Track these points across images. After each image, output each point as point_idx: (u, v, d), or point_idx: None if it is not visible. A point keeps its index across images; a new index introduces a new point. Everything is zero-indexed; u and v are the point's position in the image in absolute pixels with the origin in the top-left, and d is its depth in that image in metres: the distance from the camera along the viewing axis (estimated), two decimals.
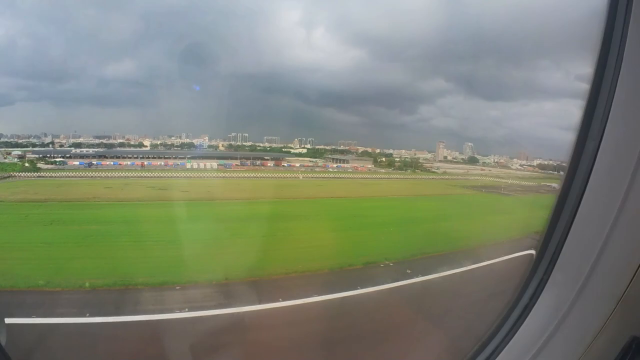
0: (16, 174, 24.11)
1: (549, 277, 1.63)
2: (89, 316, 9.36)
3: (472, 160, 33.06)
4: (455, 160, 34.15)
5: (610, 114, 1.43)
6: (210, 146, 28.46)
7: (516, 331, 1.72)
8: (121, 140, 28.20)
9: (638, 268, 1.32)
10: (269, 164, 29.08)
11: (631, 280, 1.34)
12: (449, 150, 34.98)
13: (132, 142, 28.35)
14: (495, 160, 33.67)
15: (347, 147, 34.83)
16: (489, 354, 1.80)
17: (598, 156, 1.47)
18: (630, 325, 1.37)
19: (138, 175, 25.38)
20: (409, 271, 12.36)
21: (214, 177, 26.06)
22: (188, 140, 28.86)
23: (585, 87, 1.58)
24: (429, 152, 35.28)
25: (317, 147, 33.68)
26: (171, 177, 25.49)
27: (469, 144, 34.56)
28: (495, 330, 1.85)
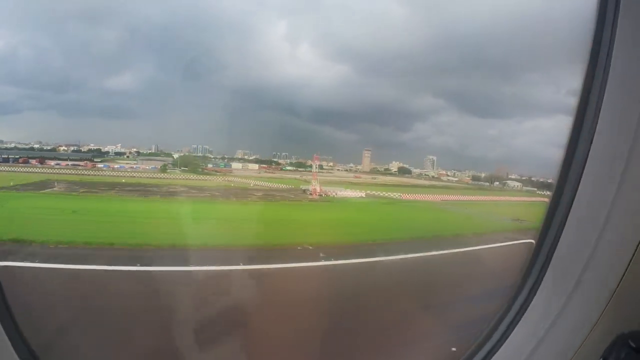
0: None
1: (542, 277, 1.68)
2: None
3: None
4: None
5: (601, 113, 1.49)
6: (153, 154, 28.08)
7: (511, 331, 1.75)
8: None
9: (628, 267, 1.38)
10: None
11: (621, 279, 1.39)
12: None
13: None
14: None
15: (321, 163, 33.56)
16: (484, 355, 1.82)
17: (588, 160, 1.53)
18: (621, 322, 1.42)
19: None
20: None
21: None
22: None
23: (576, 91, 1.64)
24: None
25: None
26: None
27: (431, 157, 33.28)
28: (490, 331, 1.88)
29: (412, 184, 28.66)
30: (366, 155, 32.69)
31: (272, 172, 28.54)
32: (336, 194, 21.90)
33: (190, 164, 26.26)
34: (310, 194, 21.40)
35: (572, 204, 1.57)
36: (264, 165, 29.78)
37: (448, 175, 32.51)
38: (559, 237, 1.61)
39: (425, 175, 33.48)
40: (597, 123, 1.50)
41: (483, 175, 30.45)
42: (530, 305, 1.71)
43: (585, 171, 1.53)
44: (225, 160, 28.71)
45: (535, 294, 1.70)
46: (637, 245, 1.37)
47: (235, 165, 28.75)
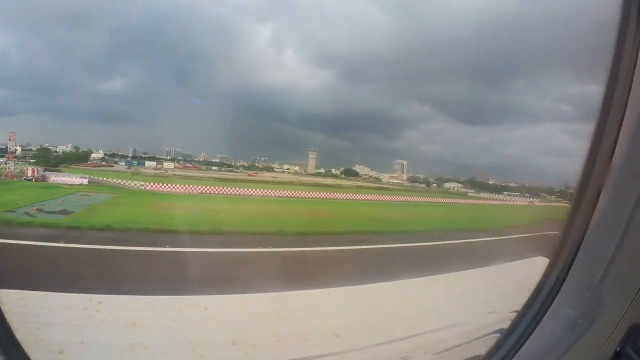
0: None
1: (563, 281, 1.68)
2: None
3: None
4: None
5: (625, 117, 1.49)
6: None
7: (535, 327, 1.75)
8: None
9: None
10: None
11: None
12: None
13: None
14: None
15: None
16: (506, 352, 1.82)
17: (612, 165, 1.53)
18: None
19: None
20: None
21: None
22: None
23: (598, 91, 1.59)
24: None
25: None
26: None
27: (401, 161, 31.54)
28: (509, 332, 1.89)
29: (321, 183, 27.52)
30: (311, 156, 32.35)
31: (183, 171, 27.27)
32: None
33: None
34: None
35: (596, 203, 1.58)
36: (181, 165, 28.52)
37: (396, 179, 31.60)
38: (585, 231, 1.61)
39: (371, 177, 32.70)
40: (619, 131, 1.50)
41: (422, 177, 31.50)
42: (554, 303, 1.71)
43: (607, 180, 1.54)
44: (138, 159, 28.03)
45: (558, 292, 1.71)
46: None
47: (149, 163, 28.21)
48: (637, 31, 1.40)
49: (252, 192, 21.64)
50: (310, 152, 32.19)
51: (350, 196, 23.83)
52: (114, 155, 29.24)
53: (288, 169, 33.68)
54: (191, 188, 21.05)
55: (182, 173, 25.70)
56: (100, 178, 21.47)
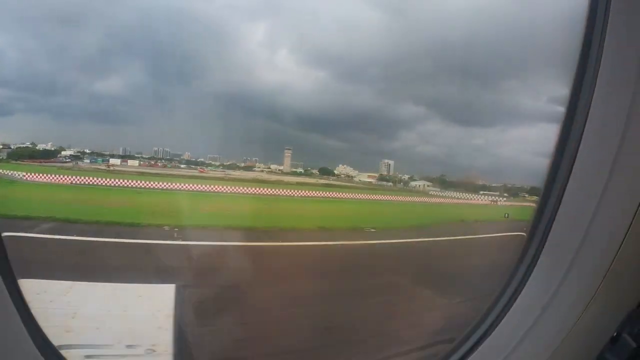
0: None
1: (537, 259, 1.74)
2: None
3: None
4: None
5: (590, 111, 1.56)
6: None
7: (505, 314, 1.80)
8: None
9: (621, 245, 1.47)
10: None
11: (615, 257, 1.48)
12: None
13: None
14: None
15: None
16: (477, 338, 1.85)
17: (579, 153, 1.59)
18: (617, 301, 1.52)
19: None
20: None
21: None
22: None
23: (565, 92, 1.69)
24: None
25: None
26: None
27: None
28: (485, 314, 1.91)
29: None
30: (287, 154, 31.67)
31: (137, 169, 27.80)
32: None
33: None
34: None
35: (563, 195, 1.64)
36: (145, 163, 29.42)
37: (372, 178, 31.14)
38: (552, 222, 1.68)
39: (347, 176, 32.45)
40: (588, 110, 1.55)
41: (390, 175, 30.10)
42: (525, 286, 1.75)
43: (577, 158, 1.59)
44: (102, 157, 28.48)
45: (527, 280, 1.75)
46: (628, 229, 1.45)
47: (114, 160, 28.66)
48: (603, 28, 1.45)
49: (166, 185, 21.52)
50: (285, 151, 31.44)
51: (285, 192, 23.44)
52: (92, 154, 29.87)
53: (268, 168, 33.63)
54: (94, 180, 21.09)
55: (131, 170, 25.86)
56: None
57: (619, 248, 1.47)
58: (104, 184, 20.81)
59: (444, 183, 29.11)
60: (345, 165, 32.95)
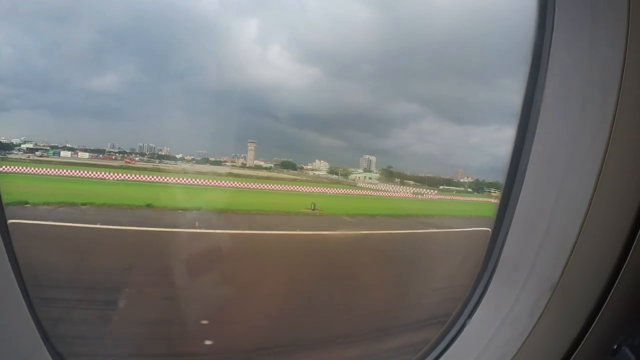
0: None
1: (491, 277, 1.77)
2: None
3: None
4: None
5: (540, 116, 1.59)
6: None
7: (459, 334, 1.84)
8: None
9: (568, 260, 1.49)
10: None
11: (563, 271, 1.50)
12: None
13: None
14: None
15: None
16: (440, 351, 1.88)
17: (530, 159, 1.62)
18: (565, 313, 1.54)
19: None
20: None
21: None
22: None
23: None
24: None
25: None
26: None
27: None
28: (445, 330, 1.94)
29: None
30: (250, 147, 31.24)
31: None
32: None
33: None
34: None
35: (516, 205, 1.66)
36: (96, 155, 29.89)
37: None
38: (505, 239, 1.71)
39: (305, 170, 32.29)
40: (534, 133, 1.59)
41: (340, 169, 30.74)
42: (481, 304, 1.79)
43: (528, 171, 1.62)
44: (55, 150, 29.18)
45: (485, 293, 1.79)
46: (575, 241, 1.46)
47: (64, 153, 29.35)
48: (552, 28, 1.49)
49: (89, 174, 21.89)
50: (248, 144, 31.12)
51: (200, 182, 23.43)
52: (44, 147, 30.60)
53: (233, 162, 33.76)
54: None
55: (66, 160, 26.61)
56: None
57: (567, 263, 1.48)
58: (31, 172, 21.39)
59: (390, 176, 28.79)
60: (320, 160, 32.67)
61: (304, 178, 28.56)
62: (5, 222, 1.67)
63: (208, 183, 22.89)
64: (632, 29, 1.31)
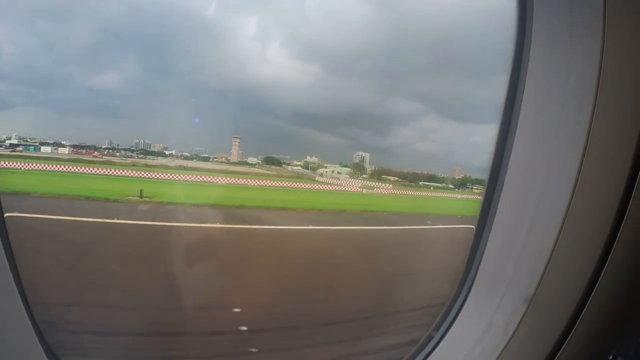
0: None
1: (471, 285, 1.77)
2: None
3: None
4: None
5: (520, 117, 1.57)
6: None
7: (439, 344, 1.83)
8: None
9: (544, 272, 1.47)
10: None
11: (539, 283, 1.49)
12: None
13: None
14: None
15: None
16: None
17: (510, 165, 1.61)
18: (540, 321, 1.53)
19: None
20: None
21: None
22: None
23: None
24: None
25: None
26: None
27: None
28: (424, 341, 1.92)
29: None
30: (234, 143, 31.23)
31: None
32: None
33: None
34: None
35: (495, 214, 1.65)
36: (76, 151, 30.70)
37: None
38: (485, 248, 1.71)
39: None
40: (516, 126, 1.57)
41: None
42: (462, 310, 1.78)
43: (507, 175, 1.60)
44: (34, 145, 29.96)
45: (466, 300, 1.77)
46: (552, 252, 1.45)
47: (45, 149, 30.18)
48: (529, 26, 1.50)
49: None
50: (233, 139, 31.01)
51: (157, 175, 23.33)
52: (26, 143, 31.47)
53: (215, 158, 34.00)
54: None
55: (43, 155, 27.47)
56: None
57: (542, 275, 1.47)
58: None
59: (362, 171, 28.37)
60: (312, 157, 32.53)
61: (263, 172, 28.49)
62: (2, 216, 1.64)
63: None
64: (608, 24, 1.29)
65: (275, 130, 32.48)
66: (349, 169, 28.04)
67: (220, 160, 31.56)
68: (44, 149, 30.76)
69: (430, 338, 1.90)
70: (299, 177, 26.93)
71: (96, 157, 28.38)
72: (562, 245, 1.43)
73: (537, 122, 1.51)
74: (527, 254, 1.53)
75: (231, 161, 30.91)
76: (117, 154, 30.34)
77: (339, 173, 27.70)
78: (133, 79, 28.86)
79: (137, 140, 29.95)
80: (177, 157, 31.78)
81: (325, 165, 29.74)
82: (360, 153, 31.75)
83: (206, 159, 32.85)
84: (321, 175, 27.61)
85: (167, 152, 31.29)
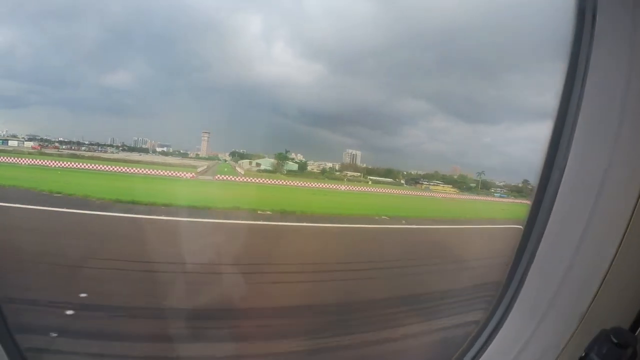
0: None
1: (526, 276, 1.62)
2: None
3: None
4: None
5: (580, 117, 1.44)
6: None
7: (497, 333, 1.69)
8: None
9: (610, 265, 1.38)
10: None
11: (591, 303, 1.41)
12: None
13: None
14: None
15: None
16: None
17: (567, 168, 1.49)
18: (603, 320, 1.41)
19: None
20: None
21: None
22: None
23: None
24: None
25: None
26: None
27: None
28: (475, 335, 1.81)
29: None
30: (204, 138, 31.29)
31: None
32: None
33: None
34: None
35: (553, 205, 1.53)
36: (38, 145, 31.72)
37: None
38: (542, 237, 1.57)
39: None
40: (574, 131, 1.45)
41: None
42: (514, 307, 1.65)
43: (564, 178, 1.49)
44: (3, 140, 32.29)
45: (520, 293, 1.63)
46: (618, 247, 1.36)
47: (12, 143, 32.54)
48: (592, 24, 1.39)
49: None
50: (202, 134, 30.60)
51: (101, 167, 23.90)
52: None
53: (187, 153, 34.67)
54: None
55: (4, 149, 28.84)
56: None
57: (596, 294, 1.40)
58: None
59: (285, 162, 29.04)
60: (296, 153, 32.22)
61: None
62: None
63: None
64: None
65: (277, 129, 32.62)
66: (272, 161, 28.89)
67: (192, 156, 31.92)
68: (11, 143, 33.15)
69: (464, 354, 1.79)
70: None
71: (35, 148, 30.81)
72: (620, 264, 1.35)
73: (598, 126, 1.41)
74: (579, 270, 1.45)
75: (200, 156, 31.39)
76: (83, 148, 31.35)
77: (257, 164, 28.78)
78: (140, 78, 29.60)
79: (136, 138, 31.12)
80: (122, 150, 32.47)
81: (260, 156, 30.63)
82: (351, 150, 32.33)
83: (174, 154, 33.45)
84: (239, 166, 28.63)
85: (159, 149, 32.48)
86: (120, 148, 31.66)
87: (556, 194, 1.49)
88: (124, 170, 24.98)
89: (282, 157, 29.48)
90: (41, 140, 31.09)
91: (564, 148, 1.49)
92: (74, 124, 30.30)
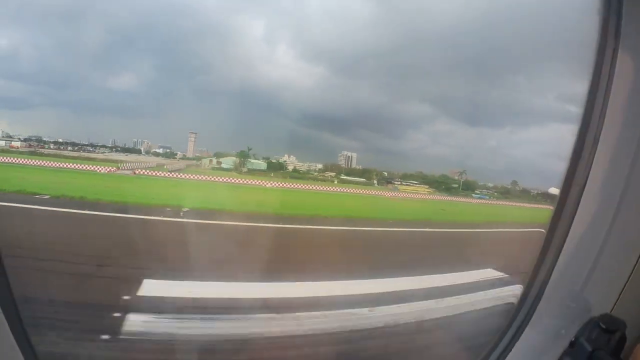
0: None
1: (544, 289, 1.63)
2: None
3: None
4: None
5: (606, 117, 1.45)
6: None
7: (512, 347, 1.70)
8: None
9: (631, 274, 1.40)
10: None
11: (616, 302, 1.43)
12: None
13: None
14: None
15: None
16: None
17: (592, 169, 1.49)
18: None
19: None
20: None
21: None
22: None
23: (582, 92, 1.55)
24: None
25: None
26: None
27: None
28: (493, 346, 1.81)
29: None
30: (190, 138, 31.39)
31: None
32: None
33: None
34: None
35: (577, 207, 1.53)
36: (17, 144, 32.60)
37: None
38: (564, 242, 1.57)
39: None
40: (602, 126, 1.45)
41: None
42: (535, 313, 1.64)
43: (587, 185, 1.49)
44: None
45: (539, 302, 1.63)
46: (633, 269, 1.38)
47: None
48: (617, 25, 1.38)
49: None
50: (189, 134, 30.51)
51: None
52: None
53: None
54: None
55: None
56: None
57: (620, 293, 1.41)
58: None
59: (246, 160, 28.75)
60: (289, 155, 33.08)
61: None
62: None
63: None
64: None
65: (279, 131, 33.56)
66: (233, 160, 28.92)
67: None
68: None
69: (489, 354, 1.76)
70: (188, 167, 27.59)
71: (12, 147, 32.46)
72: None
73: (622, 130, 1.40)
74: (605, 270, 1.45)
75: (187, 157, 31.70)
76: (69, 148, 32.36)
77: (218, 162, 28.77)
78: (142, 80, 30.86)
79: (135, 139, 32.55)
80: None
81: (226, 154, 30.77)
82: (346, 152, 32.95)
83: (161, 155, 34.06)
84: (199, 164, 28.65)
85: (153, 150, 33.31)
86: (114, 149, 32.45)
87: (581, 197, 1.50)
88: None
89: (243, 155, 29.16)
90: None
91: (587, 153, 1.49)
92: (61, 125, 31.65)
